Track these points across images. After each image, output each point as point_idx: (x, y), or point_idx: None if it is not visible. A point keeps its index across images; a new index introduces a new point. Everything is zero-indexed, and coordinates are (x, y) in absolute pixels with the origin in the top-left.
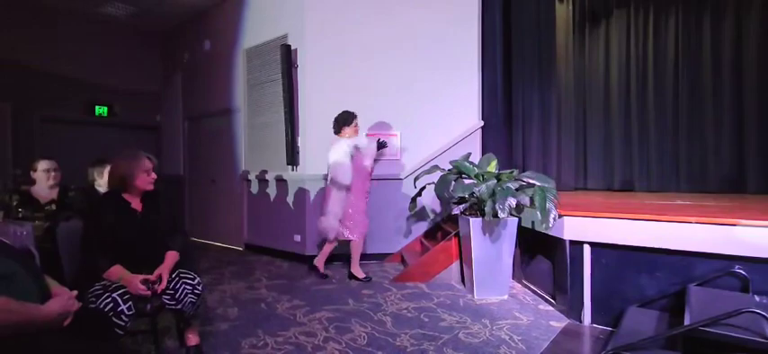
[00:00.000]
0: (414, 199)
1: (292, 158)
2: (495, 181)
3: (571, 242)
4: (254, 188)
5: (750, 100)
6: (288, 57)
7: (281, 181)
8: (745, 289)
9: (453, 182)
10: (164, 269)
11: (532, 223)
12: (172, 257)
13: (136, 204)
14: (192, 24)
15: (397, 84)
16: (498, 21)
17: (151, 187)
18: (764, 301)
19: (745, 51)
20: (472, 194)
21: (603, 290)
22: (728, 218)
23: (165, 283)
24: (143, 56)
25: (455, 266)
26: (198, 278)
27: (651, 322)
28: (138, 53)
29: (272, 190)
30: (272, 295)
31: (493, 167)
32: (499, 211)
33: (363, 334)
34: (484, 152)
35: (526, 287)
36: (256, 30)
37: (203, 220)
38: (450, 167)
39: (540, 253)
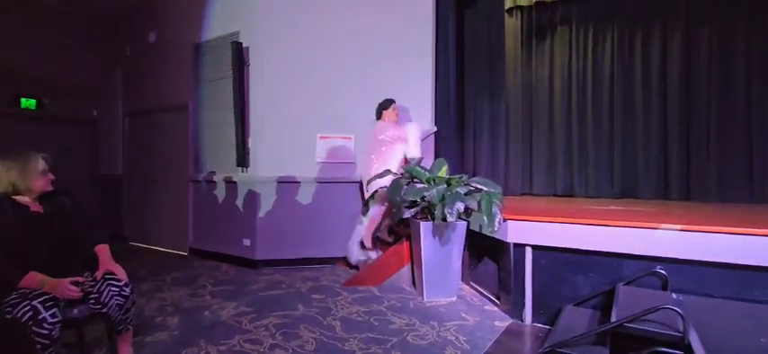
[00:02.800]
0: (366, 203)
1: (242, 159)
2: (446, 185)
3: (514, 244)
4: (201, 189)
5: (672, 115)
6: (239, 55)
7: (230, 183)
8: (665, 287)
9: (405, 187)
10: (107, 264)
11: (480, 226)
12: (104, 250)
13: (35, 207)
14: (135, 15)
15: (351, 88)
16: (452, 31)
17: (50, 188)
18: (680, 298)
19: (669, 71)
20: (423, 198)
21: (543, 290)
22: (652, 223)
23: (123, 275)
24: (79, 46)
25: (406, 269)
26: (126, 280)
27: (584, 319)
28: (74, 43)
29: (220, 192)
30: (216, 302)
31: (444, 172)
32: (448, 215)
33: (312, 340)
34: (437, 157)
35: (474, 288)
36: (206, 24)
37: (144, 223)
38: (403, 172)
39: (486, 256)
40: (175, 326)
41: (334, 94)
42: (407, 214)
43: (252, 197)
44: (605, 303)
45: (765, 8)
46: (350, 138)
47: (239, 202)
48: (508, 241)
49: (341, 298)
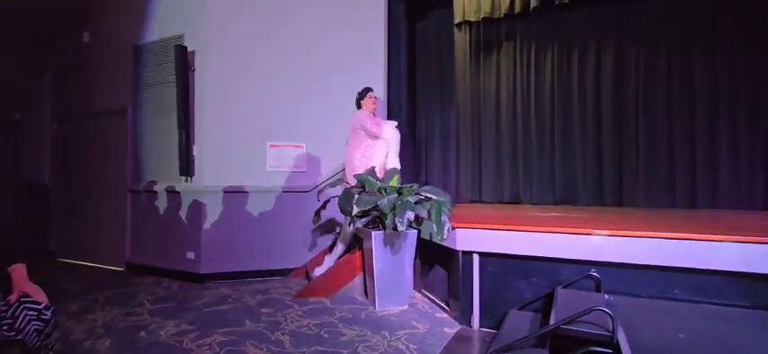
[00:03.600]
0: (317, 213)
1: (186, 168)
2: (397, 195)
3: (463, 252)
4: (141, 200)
5: (606, 127)
6: (183, 59)
7: (173, 193)
8: (598, 289)
9: (357, 196)
10: (22, 286)
11: (430, 235)
12: (19, 270)
13: None
14: (67, 12)
15: (302, 95)
16: (403, 42)
17: None
18: (611, 299)
19: (602, 87)
20: (375, 208)
21: (490, 296)
22: (586, 229)
23: (42, 297)
24: (2, 44)
25: (359, 279)
26: (45, 302)
27: (527, 322)
28: None
29: (161, 203)
30: (155, 320)
31: (395, 182)
32: (399, 224)
33: None
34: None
35: (425, 296)
36: (148, 25)
37: (75, 237)
38: (355, 182)
39: (437, 263)
40: (106, 350)
41: (286, 102)
42: (359, 223)
43: (196, 207)
44: (546, 306)
45: (684, 31)
46: (302, 147)
47: (183, 213)
48: (457, 248)
49: (291, 311)
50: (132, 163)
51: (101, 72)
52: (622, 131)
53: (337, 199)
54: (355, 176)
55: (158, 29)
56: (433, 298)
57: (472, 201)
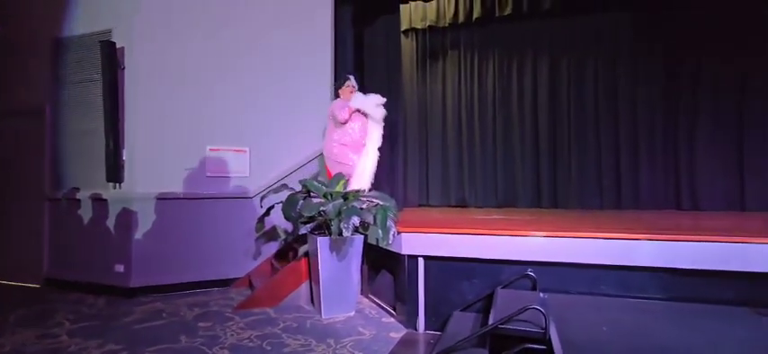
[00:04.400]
0: (261, 220)
1: (115, 174)
2: (342, 200)
3: (408, 256)
4: (61, 209)
5: (542, 133)
6: (111, 56)
7: (98, 201)
8: (534, 288)
9: (302, 201)
10: None
11: (377, 240)
12: None
13: None
14: None
15: (247, 97)
16: (350, 46)
17: None
18: (545, 297)
19: (538, 95)
20: (320, 213)
21: (435, 299)
22: (524, 230)
23: None
24: None
25: (305, 286)
26: None
27: (469, 323)
28: None
29: (86, 212)
30: (75, 342)
31: (341, 187)
32: (344, 230)
33: None
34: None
35: (373, 301)
36: (71, 18)
37: None
38: (300, 186)
39: (384, 268)
40: None
41: (227, 104)
42: (304, 230)
43: (126, 216)
44: (487, 306)
45: (609, 47)
46: (244, 151)
47: (110, 223)
48: (402, 253)
49: (232, 324)
50: (51, 169)
51: (14, 66)
52: (557, 138)
53: (282, 205)
54: (300, 181)
55: (83, 22)
56: (381, 303)
57: (420, 205)
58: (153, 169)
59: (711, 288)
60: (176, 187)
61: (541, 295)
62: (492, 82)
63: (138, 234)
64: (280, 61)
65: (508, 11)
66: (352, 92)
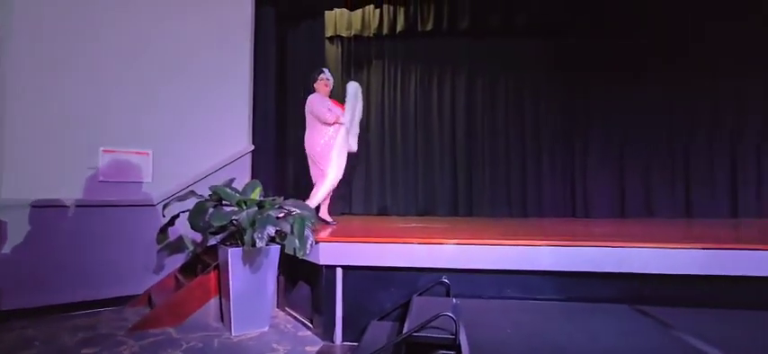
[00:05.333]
0: (163, 230)
1: None
2: (257, 208)
3: (326, 266)
4: None
5: (459, 144)
6: None
7: None
8: (448, 294)
9: (212, 210)
10: None
11: (294, 250)
12: None
13: None
14: None
15: (150, 94)
16: (272, 47)
17: None
18: (458, 303)
19: (456, 108)
20: (232, 223)
21: (352, 309)
22: (439, 239)
23: None
24: None
25: (214, 302)
26: None
27: (386, 332)
28: None
29: None
30: None
31: (257, 194)
32: (258, 240)
33: None
34: (255, 178)
35: (289, 314)
36: None
37: None
38: (210, 193)
39: (301, 279)
40: None
41: (128, 100)
42: (213, 240)
43: None
44: (403, 314)
45: (517, 66)
46: (147, 153)
47: None
48: (320, 263)
49: (124, 348)
50: None
51: None
52: (472, 150)
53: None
54: (210, 188)
55: None
56: (297, 316)
57: (342, 214)
58: (29, 172)
59: (598, 288)
60: (58, 193)
61: (454, 301)
62: (414, 94)
63: (6, 249)
64: (191, 56)
65: (430, 27)
66: (327, 86)
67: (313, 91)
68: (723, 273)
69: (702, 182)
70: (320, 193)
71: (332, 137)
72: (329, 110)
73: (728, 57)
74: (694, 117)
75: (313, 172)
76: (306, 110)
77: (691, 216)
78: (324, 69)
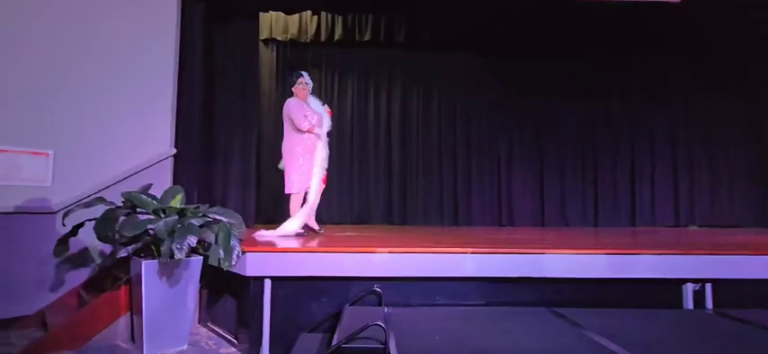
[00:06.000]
0: (63, 241)
1: None
2: (177, 217)
3: (253, 278)
4: None
5: (394, 154)
6: None
7: None
8: (380, 303)
9: (123, 218)
10: None
11: (218, 261)
12: None
13: None
14: None
15: (52, 88)
16: (200, 45)
17: None
18: (389, 311)
19: (392, 119)
20: (146, 232)
21: (281, 322)
22: (372, 247)
23: None
24: None
25: (124, 320)
26: None
27: (315, 344)
28: None
29: None
30: None
31: (178, 201)
32: (176, 251)
33: None
34: (177, 184)
35: (211, 330)
36: None
37: None
38: (123, 200)
39: (226, 293)
40: None
41: (25, 95)
42: (125, 252)
43: None
44: (334, 325)
45: (450, 80)
46: (47, 154)
47: None
48: (247, 274)
49: None
50: None
51: None
52: (407, 160)
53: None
54: (123, 194)
55: None
56: (221, 332)
57: (275, 222)
58: None
59: (520, 293)
60: None
61: (386, 309)
62: (351, 102)
63: None
64: (108, 52)
65: (367, 37)
66: (305, 90)
67: (291, 94)
68: (623, 276)
69: (608, 196)
70: (305, 211)
71: (304, 147)
72: (305, 117)
73: (633, 89)
74: (602, 139)
75: (299, 182)
76: (283, 114)
77: (598, 225)
78: (302, 72)
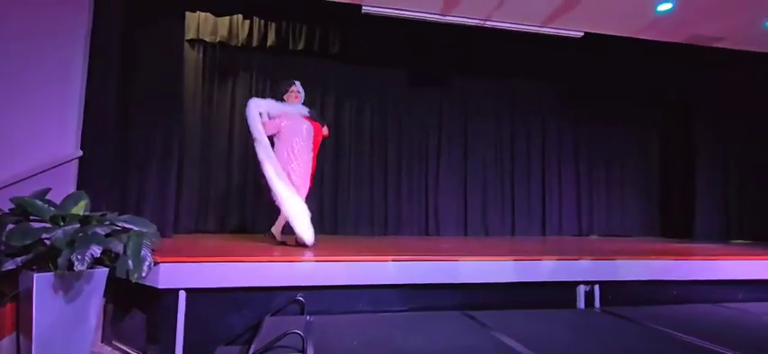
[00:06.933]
0: None
1: None
2: (79, 225)
3: (166, 290)
4: None
5: (327, 162)
6: None
7: None
8: (303, 312)
9: (12, 226)
10: None
11: (127, 273)
12: None
13: None
14: None
15: None
16: (116, 42)
17: None
18: (311, 320)
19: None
20: (41, 242)
21: (196, 336)
22: (295, 256)
23: None
24: None
25: (8, 342)
26: None
27: None
28: None
29: None
30: None
31: (81, 208)
32: (77, 263)
33: None
34: (82, 189)
35: (117, 348)
36: None
37: None
38: (13, 206)
39: (135, 307)
40: None
41: None
42: (11, 264)
43: None
44: (253, 337)
45: (381, 93)
46: None
47: None
48: (159, 286)
49: None
50: None
51: None
52: (339, 169)
53: None
54: (12, 199)
55: None
56: (127, 349)
57: (196, 231)
58: None
59: (438, 298)
60: None
61: (308, 318)
62: None
63: None
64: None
65: (301, 46)
66: (297, 99)
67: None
68: (527, 280)
69: (523, 207)
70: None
71: (298, 151)
72: (263, 123)
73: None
74: (519, 156)
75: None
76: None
77: (515, 233)
78: (294, 81)
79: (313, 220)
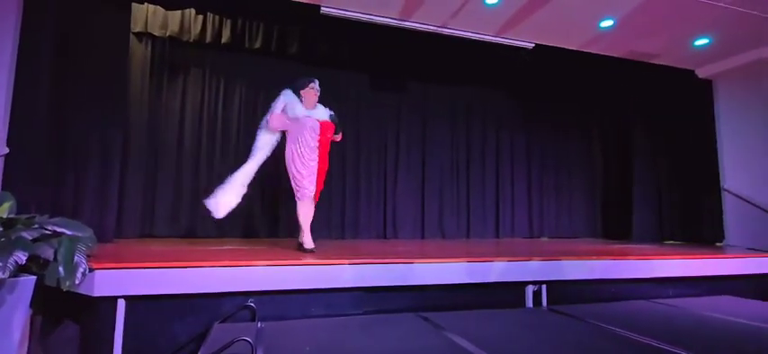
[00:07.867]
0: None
1: None
2: (2, 229)
3: (103, 298)
4: None
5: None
6: None
7: None
8: (254, 318)
9: None
10: None
11: (58, 281)
12: None
13: None
14: None
15: None
16: (50, 34)
17: None
18: (263, 326)
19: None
20: None
21: (136, 347)
22: (246, 261)
23: None
24: None
25: None
26: None
27: None
28: None
29: None
30: None
31: (5, 210)
32: None
33: None
34: (7, 190)
35: None
36: None
37: None
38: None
39: (68, 318)
40: None
41: None
42: None
43: None
44: (200, 346)
45: (344, 96)
46: None
47: None
48: (95, 295)
49: None
50: None
51: None
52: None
53: None
54: None
55: None
56: None
57: (141, 236)
58: None
59: (392, 300)
60: None
61: (259, 324)
62: (237, 110)
63: None
64: None
65: (258, 45)
66: (315, 96)
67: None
68: (479, 281)
69: (478, 210)
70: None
71: (291, 152)
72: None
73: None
74: (474, 161)
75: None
76: None
77: (470, 236)
78: (314, 79)
79: (269, 225)
